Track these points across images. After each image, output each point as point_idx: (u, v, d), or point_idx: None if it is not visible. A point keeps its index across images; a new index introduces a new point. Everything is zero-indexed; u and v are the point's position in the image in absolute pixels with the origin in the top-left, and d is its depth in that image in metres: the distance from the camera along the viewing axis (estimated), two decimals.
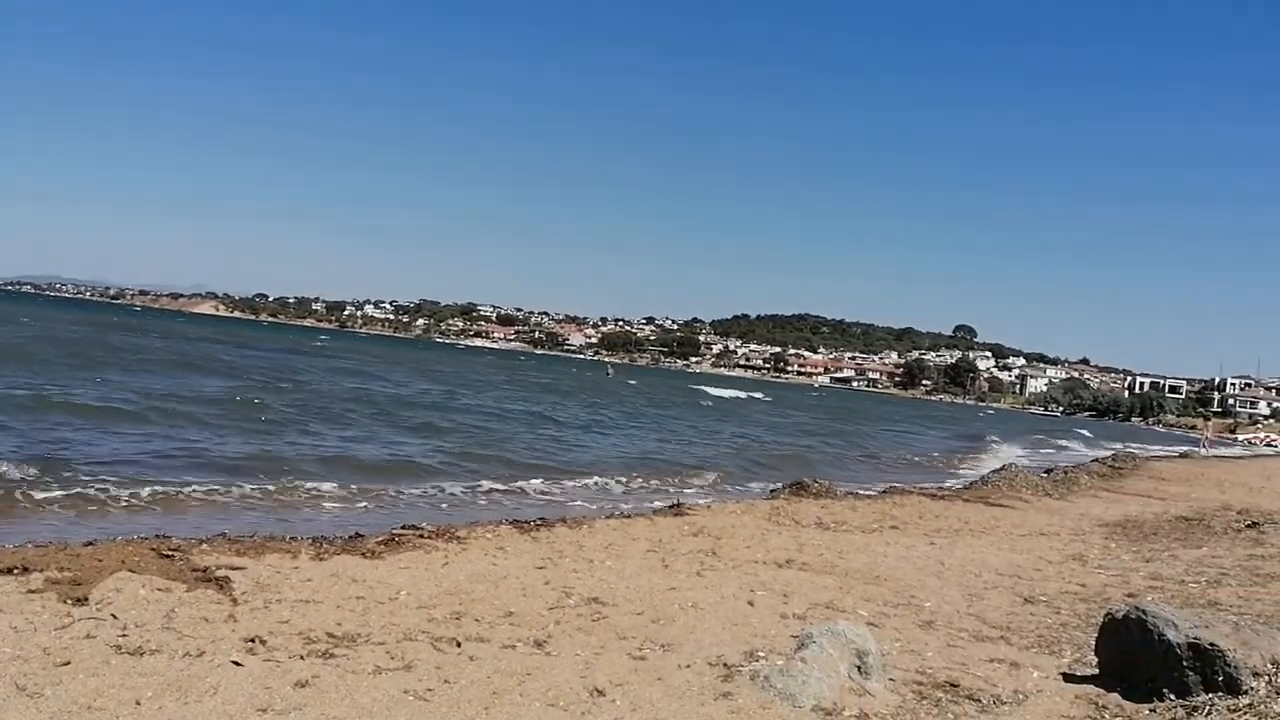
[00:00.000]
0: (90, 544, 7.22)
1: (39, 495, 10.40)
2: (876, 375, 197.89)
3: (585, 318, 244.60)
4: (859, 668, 5.46)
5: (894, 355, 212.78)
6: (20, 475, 11.15)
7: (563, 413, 35.15)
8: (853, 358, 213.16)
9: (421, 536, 8.74)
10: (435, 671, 5.20)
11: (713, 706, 4.98)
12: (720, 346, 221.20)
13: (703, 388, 76.85)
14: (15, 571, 6.08)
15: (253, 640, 5.38)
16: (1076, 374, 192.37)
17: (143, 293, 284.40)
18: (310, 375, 40.05)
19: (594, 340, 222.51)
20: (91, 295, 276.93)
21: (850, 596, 7.91)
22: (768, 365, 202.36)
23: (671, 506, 12.51)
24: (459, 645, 5.70)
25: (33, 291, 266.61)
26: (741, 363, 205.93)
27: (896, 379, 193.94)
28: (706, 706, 4.97)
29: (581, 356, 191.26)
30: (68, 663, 4.72)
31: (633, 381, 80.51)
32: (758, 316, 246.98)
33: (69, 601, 5.65)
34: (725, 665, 5.62)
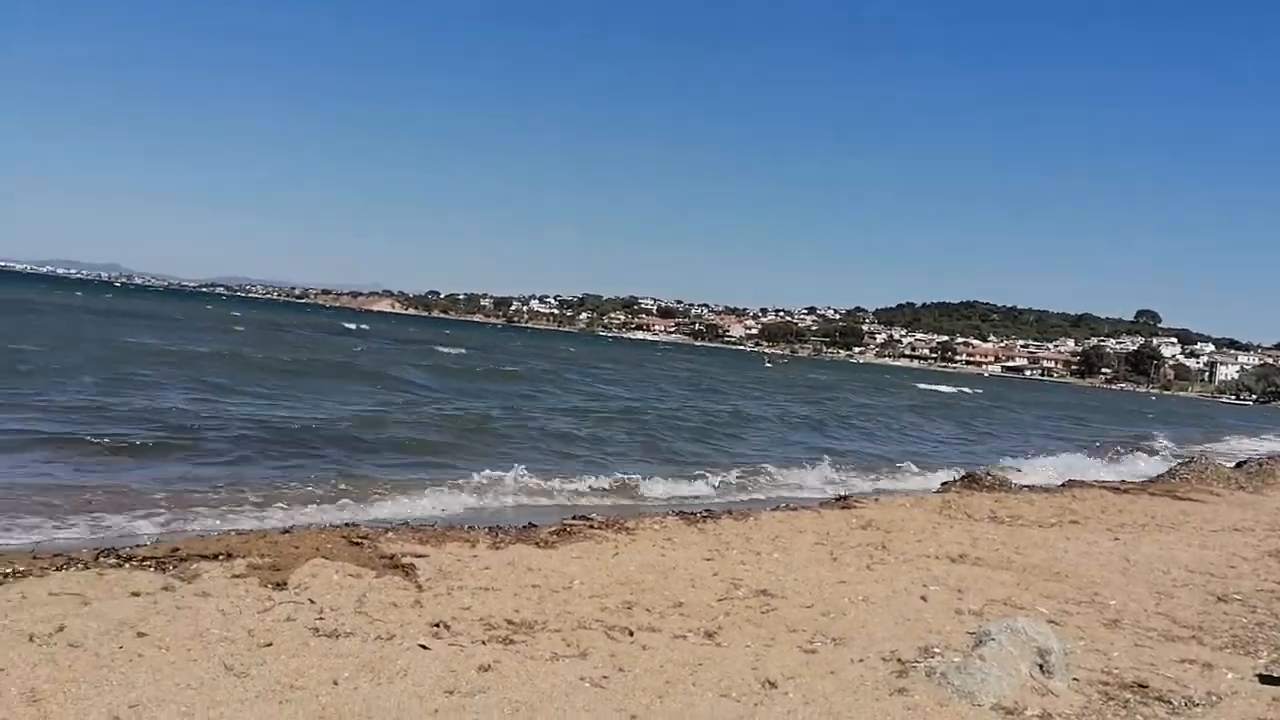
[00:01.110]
0: (286, 531, 7.70)
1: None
2: (1051, 364, 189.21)
3: (745, 309, 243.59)
4: (1041, 666, 5.25)
5: (1070, 343, 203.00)
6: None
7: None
8: (1025, 346, 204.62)
9: (592, 527, 8.92)
10: (610, 659, 5.30)
11: (888, 702, 4.89)
12: (884, 336, 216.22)
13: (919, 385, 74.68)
14: (220, 557, 6.53)
15: (437, 625, 5.62)
16: (1271, 360, 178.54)
17: (325, 292, 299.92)
18: (592, 387, 38.18)
19: (754, 331, 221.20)
20: (277, 295, 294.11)
21: (1029, 593, 7.62)
22: (934, 354, 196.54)
23: (839, 499, 12.34)
24: (631, 634, 5.79)
25: (224, 293, 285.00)
26: (906, 352, 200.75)
27: (1073, 368, 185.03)
28: (881, 702, 4.89)
29: (741, 348, 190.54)
30: (270, 644, 5.05)
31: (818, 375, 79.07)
32: (923, 304, 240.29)
33: (269, 586, 6.04)
34: (899, 661, 5.51)
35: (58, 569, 5.89)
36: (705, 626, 6.03)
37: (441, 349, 54.35)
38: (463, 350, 54.63)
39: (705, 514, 10.18)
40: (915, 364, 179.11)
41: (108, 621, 5.06)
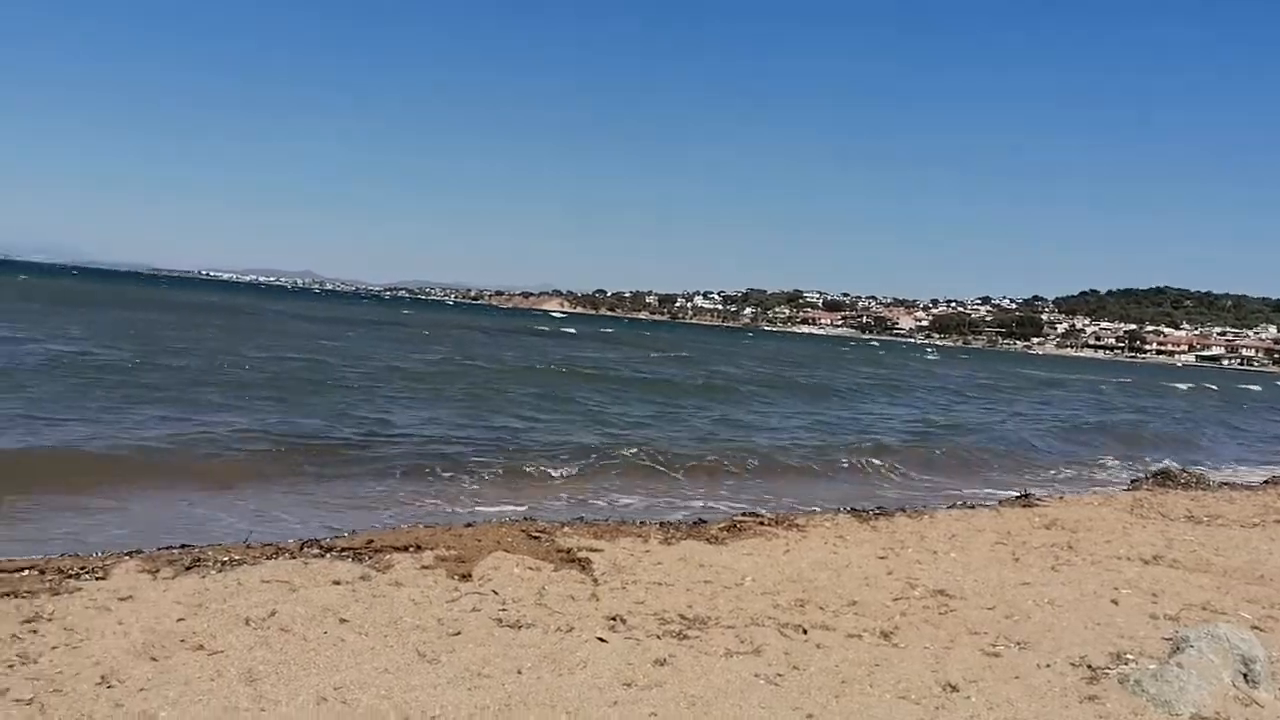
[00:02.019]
0: (470, 525, 8.03)
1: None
2: (1250, 352, 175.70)
3: (914, 300, 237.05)
4: (1244, 675, 4.95)
5: (1272, 329, 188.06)
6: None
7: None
8: (1222, 333, 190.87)
9: (761, 524, 8.92)
10: (784, 657, 5.30)
11: (1078, 710, 4.71)
12: (1065, 326, 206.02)
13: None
14: (410, 549, 6.88)
15: (614, 619, 5.75)
16: None
17: (498, 293, 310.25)
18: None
19: (924, 323, 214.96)
20: (455, 297, 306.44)
21: (1230, 597, 7.15)
22: (1121, 344, 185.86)
23: (1019, 497, 11.88)
24: (805, 632, 5.77)
25: (407, 296, 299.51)
26: (1090, 342, 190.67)
27: (1276, 356, 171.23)
28: (1071, 710, 4.71)
29: (911, 340, 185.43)
30: (459, 633, 5.29)
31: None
32: (1108, 292, 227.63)
33: (456, 577, 6.32)
34: (1089, 667, 5.29)
35: (268, 558, 6.35)
36: (881, 626, 5.95)
37: (655, 354, 50.92)
38: (684, 354, 52.12)
39: (878, 511, 10.00)
40: (1100, 354, 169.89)
41: (313, 607, 5.42)
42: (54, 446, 11.33)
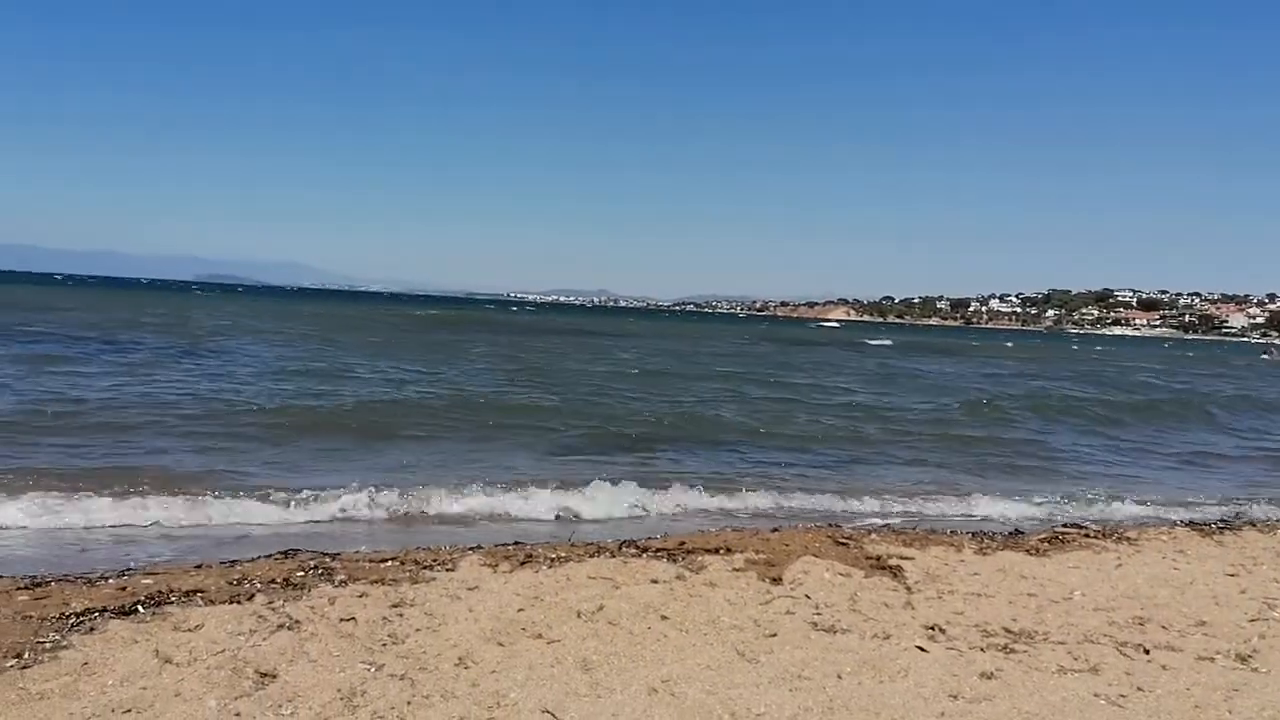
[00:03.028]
0: (776, 530, 8.10)
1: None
2: None
3: (1247, 295, 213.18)
4: None
5: None
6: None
7: None
8: None
9: (1086, 535, 8.37)
10: (1125, 677, 4.96)
11: None
12: None
13: None
14: (721, 552, 7.04)
15: (932, 628, 5.60)
16: None
17: (782, 304, 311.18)
18: None
19: (1259, 320, 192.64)
20: (742, 310, 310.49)
21: None
22: None
23: None
24: (1147, 652, 5.36)
25: (694, 310, 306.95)
26: None
27: None
28: None
29: (1246, 340, 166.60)
30: (775, 634, 5.35)
31: None
32: None
33: (767, 580, 6.40)
34: None
35: (590, 556, 6.72)
36: (1237, 649, 5.41)
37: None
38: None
39: (1221, 525, 9.10)
40: None
41: (636, 604, 5.68)
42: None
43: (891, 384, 31.01)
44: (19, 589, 5.39)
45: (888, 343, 71.04)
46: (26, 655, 4.38)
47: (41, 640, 4.56)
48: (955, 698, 4.60)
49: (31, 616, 4.88)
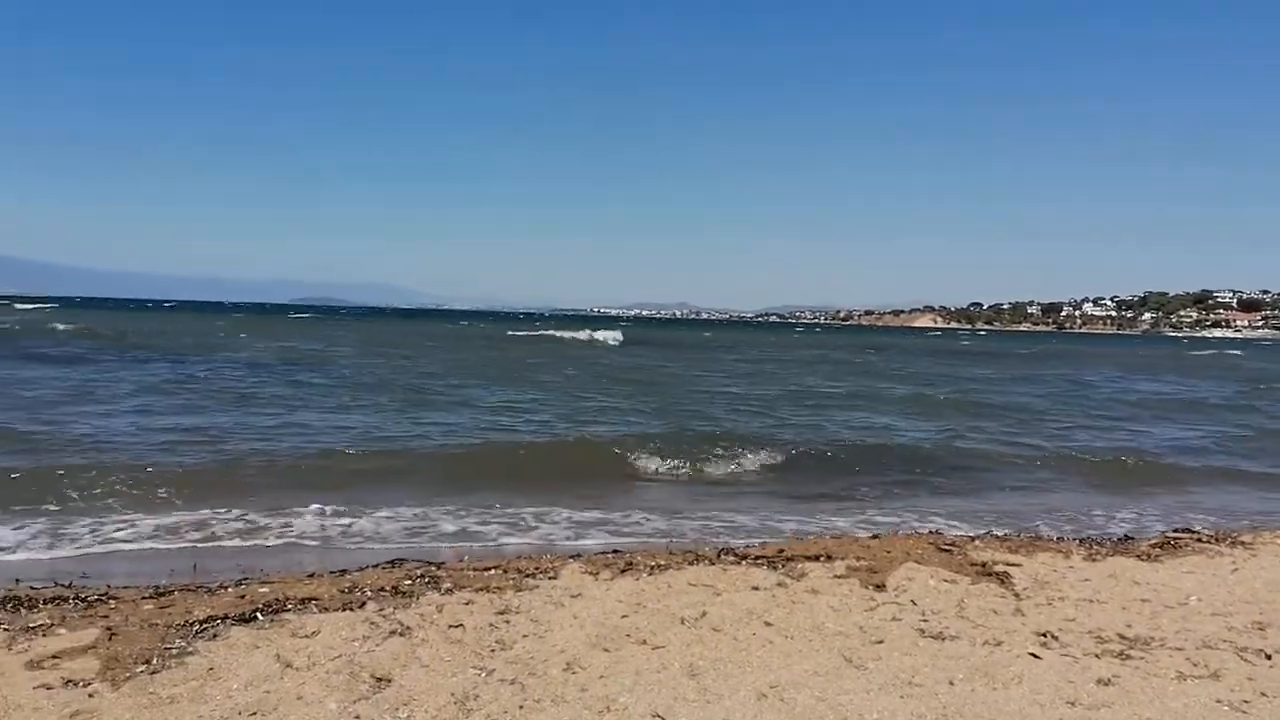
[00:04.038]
0: (875, 537, 7.99)
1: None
2: None
3: None
4: None
5: None
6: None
7: None
8: None
9: (1200, 540, 8.09)
10: (1247, 683, 4.79)
11: None
12: None
13: None
14: (821, 559, 6.97)
15: (1044, 635, 5.47)
16: None
17: (867, 312, 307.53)
18: None
19: None
20: (825, 319, 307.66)
21: None
22: None
23: None
24: (1268, 657, 5.18)
25: (778, 320, 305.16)
26: None
27: None
28: None
29: None
30: (882, 641, 5.28)
31: None
32: None
33: (870, 587, 6.32)
34: None
35: (689, 564, 6.72)
36: None
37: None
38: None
39: None
40: None
41: (738, 610, 5.67)
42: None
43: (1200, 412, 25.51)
44: (144, 598, 5.62)
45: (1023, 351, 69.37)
46: (155, 661, 4.56)
47: (169, 646, 4.74)
48: (1073, 704, 4.49)
49: (158, 624, 5.08)
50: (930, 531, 8.40)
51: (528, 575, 6.26)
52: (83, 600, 5.52)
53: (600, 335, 60.84)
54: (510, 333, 68.52)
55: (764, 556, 7.00)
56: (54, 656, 4.56)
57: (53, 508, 9.14)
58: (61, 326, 45.04)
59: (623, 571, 6.43)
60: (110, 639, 4.80)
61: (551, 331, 64.69)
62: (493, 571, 6.34)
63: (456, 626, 5.21)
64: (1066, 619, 5.83)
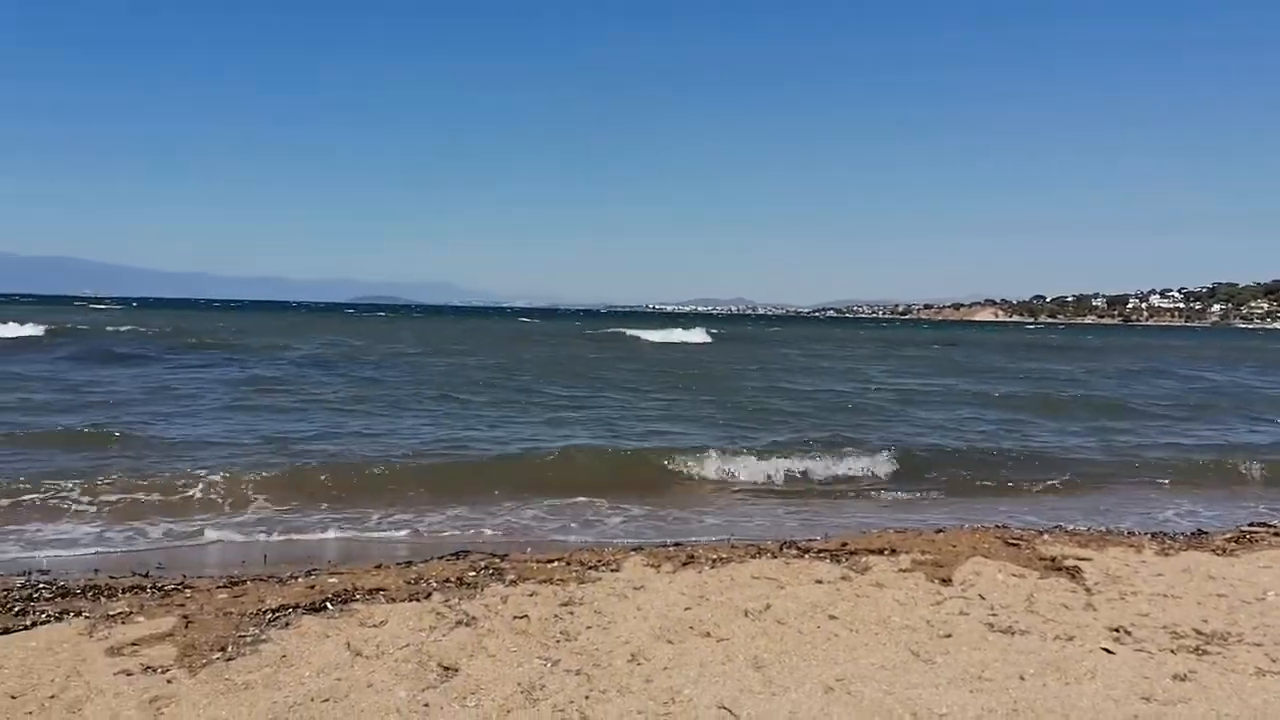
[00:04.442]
0: (940, 531, 7.90)
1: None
2: None
3: None
4: None
5: None
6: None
7: None
8: None
9: (1276, 534, 7.86)
10: None
11: None
12: None
13: None
14: (885, 552, 6.90)
15: (1116, 630, 5.36)
16: None
17: (926, 306, 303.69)
18: None
19: None
20: (884, 313, 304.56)
21: None
22: None
23: None
24: None
25: (835, 315, 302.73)
26: None
27: None
28: None
29: None
30: (949, 635, 5.21)
31: None
32: None
33: (936, 581, 6.24)
34: None
35: (751, 557, 6.70)
36: None
37: None
38: None
39: None
40: None
41: (802, 603, 5.63)
42: None
43: None
44: (218, 587, 5.75)
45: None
46: (230, 648, 4.66)
47: (243, 634, 4.84)
48: (1148, 700, 4.39)
49: (232, 613, 5.19)
50: (996, 526, 8.27)
51: (590, 568, 6.29)
52: (159, 589, 5.67)
53: (688, 336, 57.48)
54: (588, 332, 65.76)
55: (826, 550, 6.95)
56: (133, 644, 4.68)
57: (140, 501, 9.37)
58: (139, 328, 45.82)
59: (684, 564, 6.42)
60: (187, 627, 4.92)
61: (633, 332, 60.22)
62: (555, 564, 6.38)
63: (521, 617, 5.25)
64: (1140, 614, 5.70)
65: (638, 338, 55.76)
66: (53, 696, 4.09)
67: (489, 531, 8.86)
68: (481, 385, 22.94)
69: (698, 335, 58.30)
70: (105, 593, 5.58)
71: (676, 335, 58.00)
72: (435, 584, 5.82)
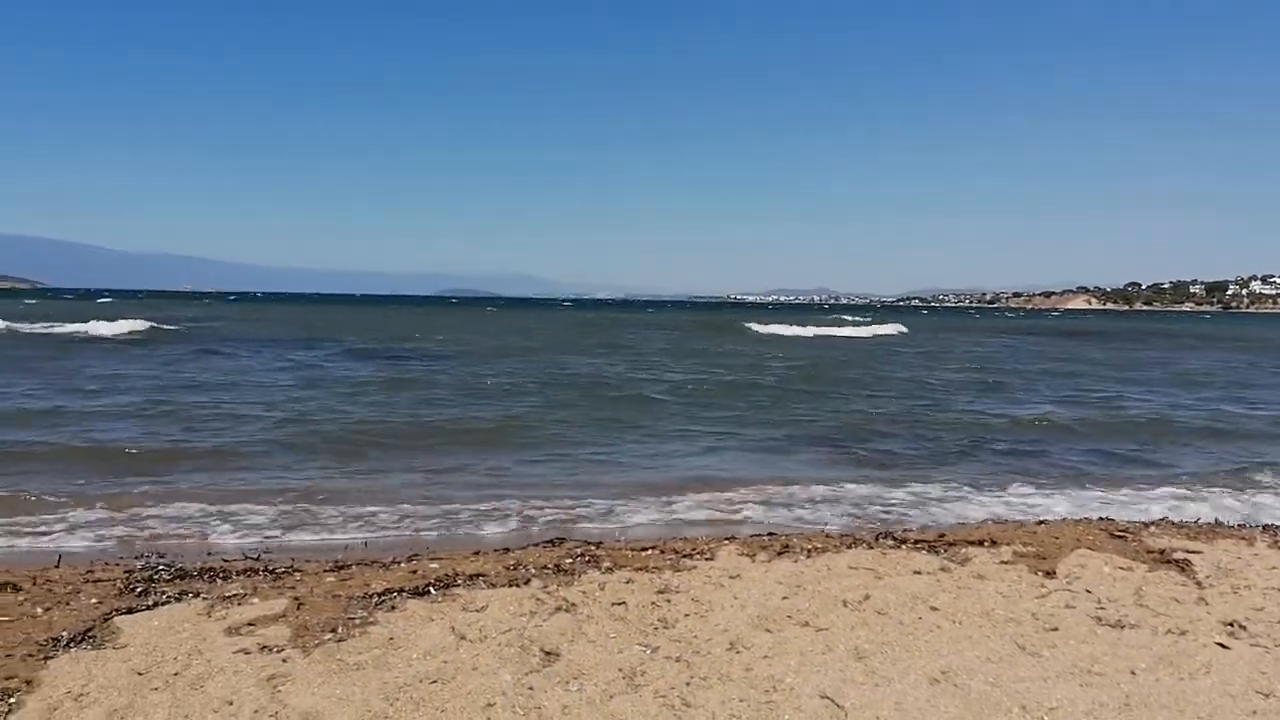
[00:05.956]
0: (1042, 523, 7.73)
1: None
2: None
3: None
4: None
5: None
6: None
7: None
8: None
9: None
10: None
11: None
12: None
13: None
14: (985, 544, 6.78)
15: (1231, 624, 5.19)
16: None
17: (1015, 295, 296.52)
18: None
19: None
20: (970, 302, 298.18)
21: None
22: None
23: None
24: None
25: (920, 304, 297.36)
26: None
27: None
28: None
29: None
30: (1055, 629, 5.10)
31: None
32: None
33: (1039, 574, 6.11)
34: None
35: (848, 547, 6.64)
36: None
37: None
38: None
39: None
40: None
41: (902, 594, 5.57)
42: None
43: None
44: (326, 571, 5.92)
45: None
46: (340, 630, 4.79)
47: (351, 617, 4.98)
48: (1268, 696, 4.25)
49: (340, 595, 5.34)
50: (1100, 518, 8.05)
51: (685, 556, 6.30)
52: (271, 572, 5.86)
53: (885, 329, 53.49)
54: (741, 324, 58.16)
55: (924, 541, 6.85)
56: (249, 624, 4.85)
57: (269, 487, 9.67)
58: (252, 320, 46.44)
59: (779, 554, 6.40)
60: (299, 608, 5.07)
61: (782, 329, 52.65)
62: (649, 552, 6.41)
63: (619, 604, 5.29)
64: (1254, 608, 5.51)
65: (777, 334, 50.72)
66: (176, 674, 4.26)
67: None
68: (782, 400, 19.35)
69: (896, 329, 54.78)
70: (220, 574, 5.78)
71: (870, 331, 54.02)
72: (533, 570, 5.89)
